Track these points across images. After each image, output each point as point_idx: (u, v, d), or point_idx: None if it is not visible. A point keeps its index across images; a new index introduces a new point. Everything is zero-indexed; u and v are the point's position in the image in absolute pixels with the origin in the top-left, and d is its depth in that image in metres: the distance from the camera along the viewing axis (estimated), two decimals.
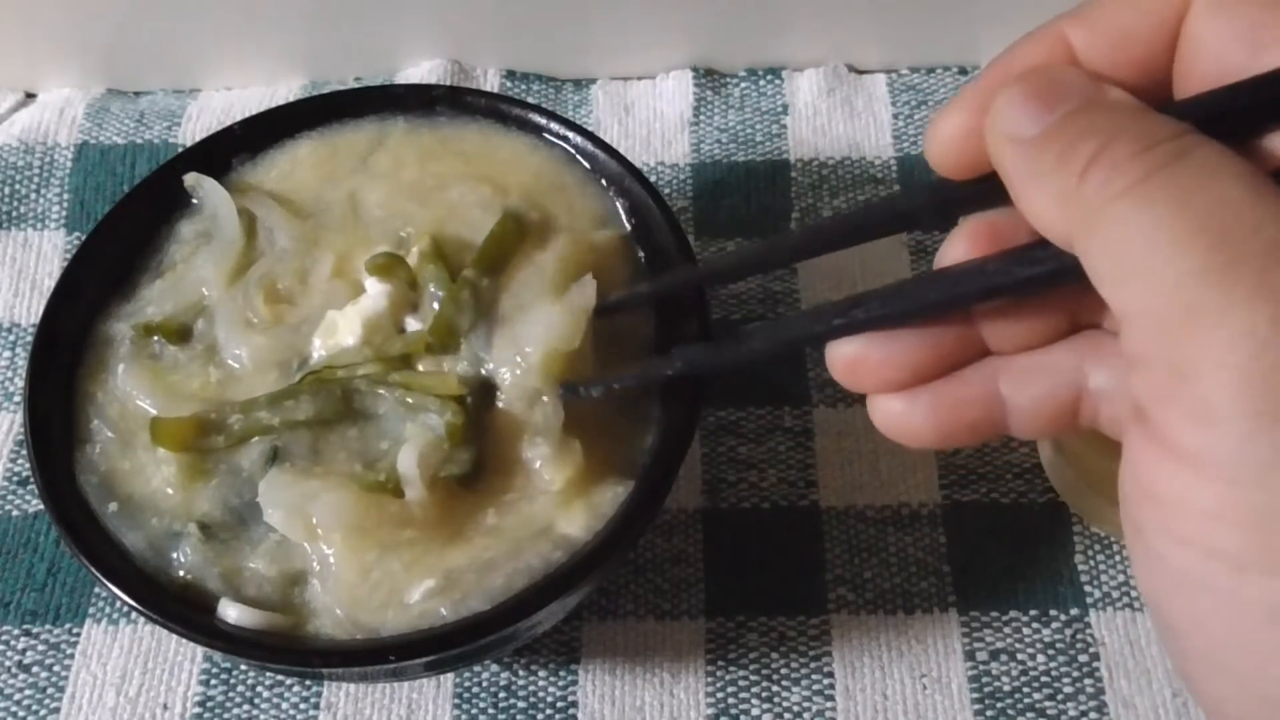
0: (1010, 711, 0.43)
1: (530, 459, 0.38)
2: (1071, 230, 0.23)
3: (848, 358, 0.28)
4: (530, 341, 0.38)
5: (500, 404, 0.39)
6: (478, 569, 0.37)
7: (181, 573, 0.38)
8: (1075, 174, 0.23)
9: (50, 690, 0.44)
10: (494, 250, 0.40)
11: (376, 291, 0.40)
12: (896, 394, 0.28)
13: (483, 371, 0.39)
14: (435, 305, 0.39)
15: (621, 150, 0.44)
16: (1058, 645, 0.44)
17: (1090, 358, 0.27)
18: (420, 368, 0.39)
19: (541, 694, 0.44)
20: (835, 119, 0.58)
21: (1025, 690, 0.44)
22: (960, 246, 0.28)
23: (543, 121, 0.45)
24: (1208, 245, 0.21)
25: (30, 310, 0.53)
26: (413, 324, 0.40)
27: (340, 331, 0.40)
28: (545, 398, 0.38)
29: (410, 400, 0.38)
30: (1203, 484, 0.21)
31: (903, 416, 0.28)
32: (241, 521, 0.38)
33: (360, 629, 0.36)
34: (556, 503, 0.38)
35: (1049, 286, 0.26)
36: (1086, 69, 0.26)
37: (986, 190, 0.26)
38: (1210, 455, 0.21)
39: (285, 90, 0.59)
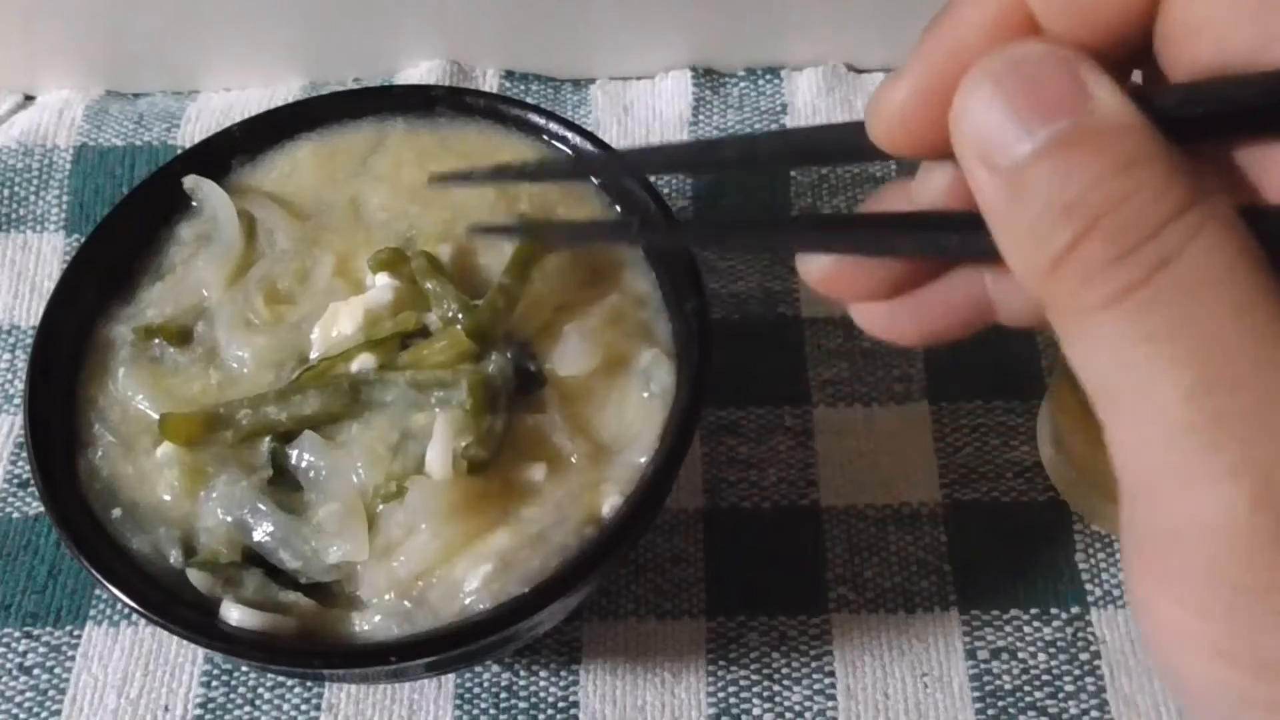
0: (1011, 710, 0.43)
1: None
2: (1045, 311, 0.21)
3: (820, 273, 0.26)
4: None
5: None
6: (530, 544, 0.37)
7: (182, 574, 0.37)
8: (1048, 257, 0.20)
9: (51, 692, 0.44)
10: (524, 259, 0.41)
11: (383, 285, 0.41)
12: (879, 301, 0.26)
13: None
14: (449, 315, 0.40)
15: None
16: (1059, 644, 0.44)
17: None
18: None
19: (543, 694, 0.44)
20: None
21: (1026, 689, 0.44)
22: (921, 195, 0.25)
23: (542, 122, 0.45)
24: (1192, 393, 0.19)
25: (30, 313, 0.53)
26: (432, 319, 0.40)
27: (341, 321, 0.40)
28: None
29: (420, 378, 0.38)
30: (1187, 618, 0.20)
31: (887, 320, 0.26)
32: (241, 524, 0.38)
33: (411, 622, 0.36)
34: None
35: None
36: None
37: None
38: (1192, 606, 0.20)
39: (284, 91, 0.59)
